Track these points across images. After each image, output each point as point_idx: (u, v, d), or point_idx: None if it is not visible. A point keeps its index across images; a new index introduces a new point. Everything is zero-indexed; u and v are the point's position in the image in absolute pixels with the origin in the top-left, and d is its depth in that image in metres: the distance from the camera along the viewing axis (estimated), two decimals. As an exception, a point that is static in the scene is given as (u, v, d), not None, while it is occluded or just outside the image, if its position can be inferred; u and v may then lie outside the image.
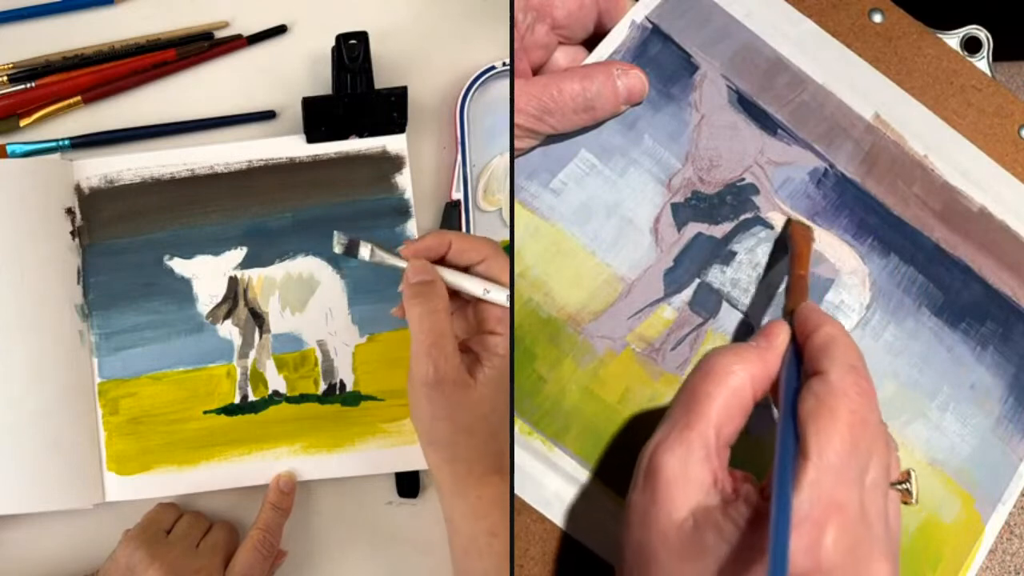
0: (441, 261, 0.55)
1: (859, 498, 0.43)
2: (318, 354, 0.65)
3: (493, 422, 0.54)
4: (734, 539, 0.43)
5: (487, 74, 0.67)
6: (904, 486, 0.47)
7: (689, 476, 0.45)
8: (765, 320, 0.56)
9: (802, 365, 0.47)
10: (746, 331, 0.56)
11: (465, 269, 0.55)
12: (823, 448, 0.42)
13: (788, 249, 0.56)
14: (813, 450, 0.42)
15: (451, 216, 0.67)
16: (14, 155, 0.65)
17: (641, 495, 0.46)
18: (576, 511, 0.54)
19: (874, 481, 0.44)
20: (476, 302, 0.56)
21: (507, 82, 0.67)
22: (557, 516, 0.54)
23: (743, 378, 0.46)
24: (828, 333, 0.47)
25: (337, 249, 0.56)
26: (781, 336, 0.48)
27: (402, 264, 0.55)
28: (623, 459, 0.54)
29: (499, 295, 0.54)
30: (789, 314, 0.50)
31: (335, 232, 0.56)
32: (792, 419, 0.44)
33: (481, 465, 0.54)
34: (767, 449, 0.46)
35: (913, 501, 0.47)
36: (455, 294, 0.55)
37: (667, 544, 0.44)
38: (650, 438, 0.47)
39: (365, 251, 0.55)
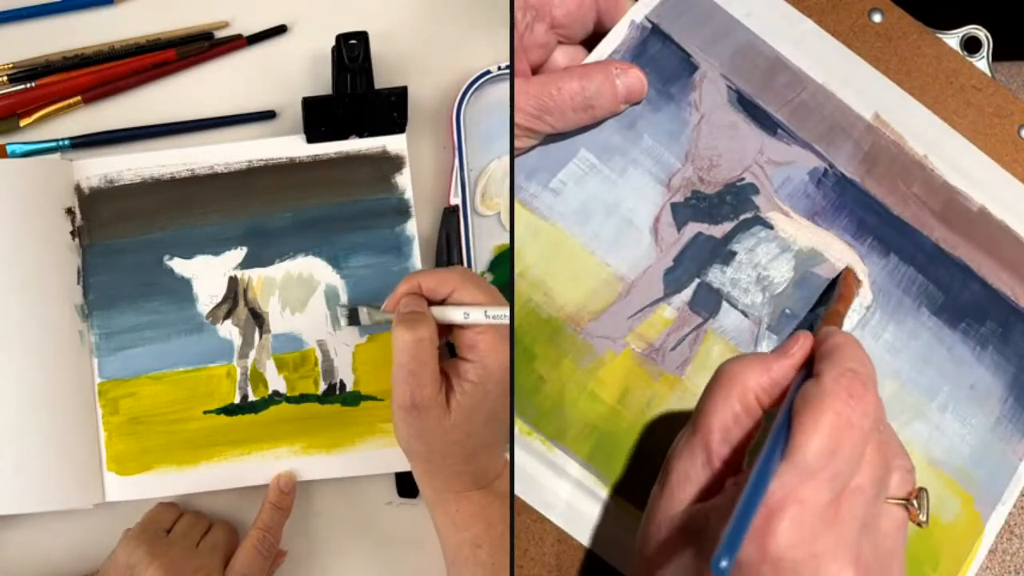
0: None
1: (829, 498, 0.42)
2: (318, 354, 0.65)
3: (469, 446, 0.56)
4: (706, 531, 0.44)
5: (483, 79, 0.67)
6: (905, 502, 0.46)
7: (691, 478, 0.46)
8: (765, 321, 0.56)
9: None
10: (746, 331, 0.56)
11: (441, 302, 0.57)
12: (800, 445, 0.42)
13: (834, 289, 0.57)
14: (790, 447, 0.42)
15: (449, 221, 0.67)
16: (14, 155, 0.66)
17: (655, 490, 0.48)
18: (577, 513, 0.54)
19: (859, 487, 0.43)
20: (450, 330, 0.57)
21: (503, 86, 0.67)
22: (557, 516, 0.54)
23: (748, 386, 0.47)
24: (834, 341, 0.47)
25: (343, 323, 0.64)
26: (796, 346, 0.48)
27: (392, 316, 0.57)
28: (624, 460, 0.54)
29: (477, 315, 0.56)
30: None
31: (338, 307, 0.64)
32: (782, 419, 0.44)
33: (458, 482, 0.56)
34: None
35: (922, 520, 0.46)
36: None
37: (659, 536, 0.46)
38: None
39: (364, 316, 0.61)
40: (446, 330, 0.58)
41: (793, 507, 0.41)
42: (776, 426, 0.44)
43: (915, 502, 0.46)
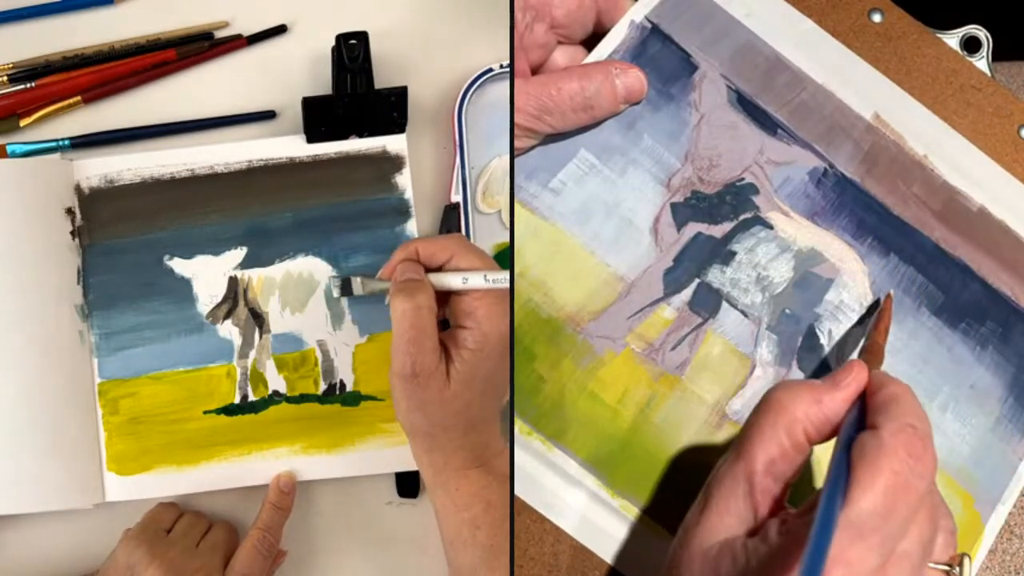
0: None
1: (877, 562, 0.40)
2: (318, 354, 0.65)
3: (469, 417, 0.56)
4: (745, 573, 0.42)
5: (484, 76, 0.67)
6: (947, 568, 0.44)
7: (730, 507, 0.45)
8: (764, 321, 0.56)
9: (864, 418, 0.45)
10: (746, 331, 0.56)
11: (438, 269, 0.58)
12: (854, 501, 0.40)
13: (872, 315, 0.56)
14: (845, 505, 0.40)
15: (450, 218, 0.67)
16: (14, 155, 0.66)
17: (692, 514, 0.47)
18: (577, 513, 0.54)
19: (905, 551, 0.42)
20: (446, 301, 0.58)
21: (505, 84, 0.67)
22: (556, 516, 0.54)
23: (797, 417, 0.45)
24: (892, 391, 0.45)
25: (335, 293, 0.62)
26: (850, 377, 0.46)
27: (385, 285, 0.58)
28: (624, 460, 0.54)
29: (477, 280, 0.56)
30: None
31: (329, 277, 0.64)
32: (838, 470, 0.42)
33: (458, 457, 0.56)
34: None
35: None
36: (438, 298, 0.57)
37: (692, 565, 0.45)
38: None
39: (357, 286, 0.61)
40: (443, 300, 0.58)
41: (839, 569, 0.40)
42: (831, 479, 0.42)
43: (957, 568, 0.44)
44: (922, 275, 0.58)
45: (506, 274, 0.55)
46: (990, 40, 0.63)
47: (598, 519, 0.54)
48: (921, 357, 0.57)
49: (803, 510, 0.44)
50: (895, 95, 0.60)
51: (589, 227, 0.57)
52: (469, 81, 0.67)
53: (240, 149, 0.66)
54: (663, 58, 0.59)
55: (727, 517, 0.45)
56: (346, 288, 0.61)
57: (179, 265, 0.65)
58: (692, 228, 0.57)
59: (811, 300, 0.57)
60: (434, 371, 0.55)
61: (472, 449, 0.56)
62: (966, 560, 0.45)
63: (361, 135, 0.66)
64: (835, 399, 0.45)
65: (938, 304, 0.57)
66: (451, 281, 0.56)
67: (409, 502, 0.66)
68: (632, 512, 0.54)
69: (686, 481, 0.54)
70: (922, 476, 0.41)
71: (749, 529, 0.45)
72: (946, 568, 0.44)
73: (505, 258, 0.67)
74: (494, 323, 0.56)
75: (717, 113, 0.58)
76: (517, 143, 0.56)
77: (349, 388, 0.65)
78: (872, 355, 0.52)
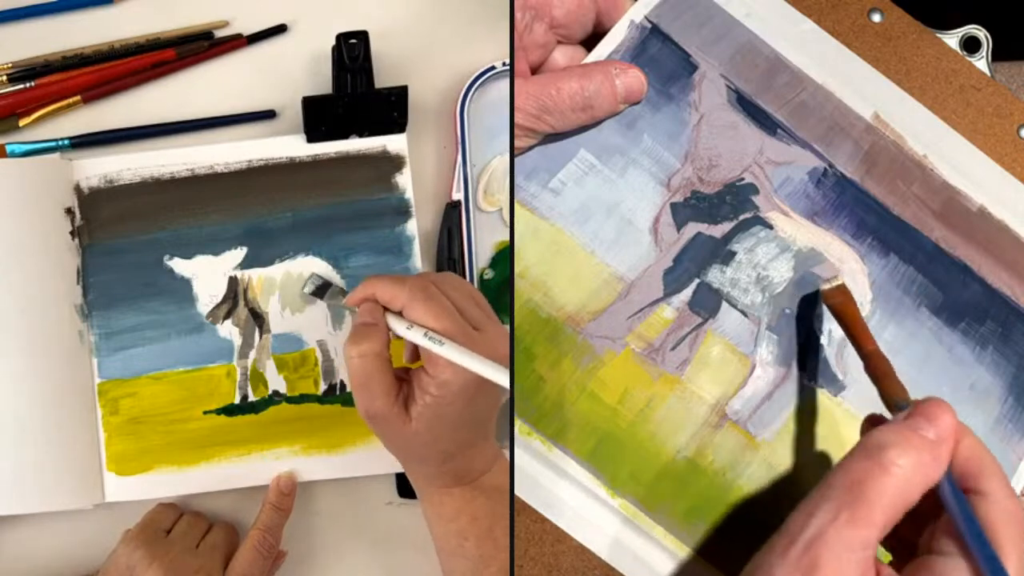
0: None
1: None
2: (318, 354, 0.66)
3: (441, 449, 0.56)
4: None
5: (487, 74, 0.67)
6: None
7: (844, 574, 0.42)
8: (764, 321, 0.56)
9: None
10: (745, 331, 0.56)
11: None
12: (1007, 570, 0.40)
13: (833, 316, 0.54)
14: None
15: (451, 216, 0.67)
16: (14, 155, 0.65)
17: (782, 550, 0.43)
18: (577, 513, 0.54)
19: None
20: None
21: (506, 83, 0.67)
22: (557, 517, 0.54)
23: (912, 472, 0.43)
24: (973, 446, 0.44)
25: (307, 288, 0.63)
26: (945, 425, 0.44)
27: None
28: (624, 460, 0.54)
29: (416, 335, 0.55)
30: (893, 406, 0.48)
31: (312, 273, 0.64)
32: (979, 537, 0.42)
33: (439, 480, 0.57)
34: None
35: None
36: None
37: None
38: (805, 510, 0.44)
39: (328, 294, 0.63)
40: None
41: None
42: (973, 544, 0.42)
43: None
44: (922, 275, 0.58)
45: (444, 339, 0.54)
46: (990, 40, 0.63)
47: (598, 519, 0.53)
48: (921, 357, 0.57)
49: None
50: (895, 95, 0.60)
51: (589, 227, 0.56)
52: (472, 78, 0.67)
53: (240, 149, 0.66)
54: (663, 58, 0.59)
55: None
56: (320, 292, 0.63)
57: (179, 265, 0.65)
58: (692, 228, 0.57)
59: (811, 300, 0.57)
60: (388, 413, 0.55)
61: (454, 474, 0.57)
62: None
63: (361, 135, 0.66)
64: (947, 451, 0.44)
65: (938, 304, 0.57)
66: (396, 327, 0.56)
67: (409, 502, 0.66)
68: (631, 512, 0.54)
69: (684, 479, 0.54)
70: None
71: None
72: None
73: (506, 256, 0.67)
74: (456, 373, 0.54)
75: (717, 113, 0.58)
76: (517, 143, 0.55)
77: (349, 388, 0.65)
78: (885, 377, 0.50)
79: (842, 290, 0.53)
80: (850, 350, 0.56)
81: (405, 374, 0.57)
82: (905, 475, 0.42)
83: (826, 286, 0.54)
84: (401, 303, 0.55)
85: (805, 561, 0.42)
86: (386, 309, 0.56)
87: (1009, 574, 0.40)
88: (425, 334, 0.54)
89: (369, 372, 0.54)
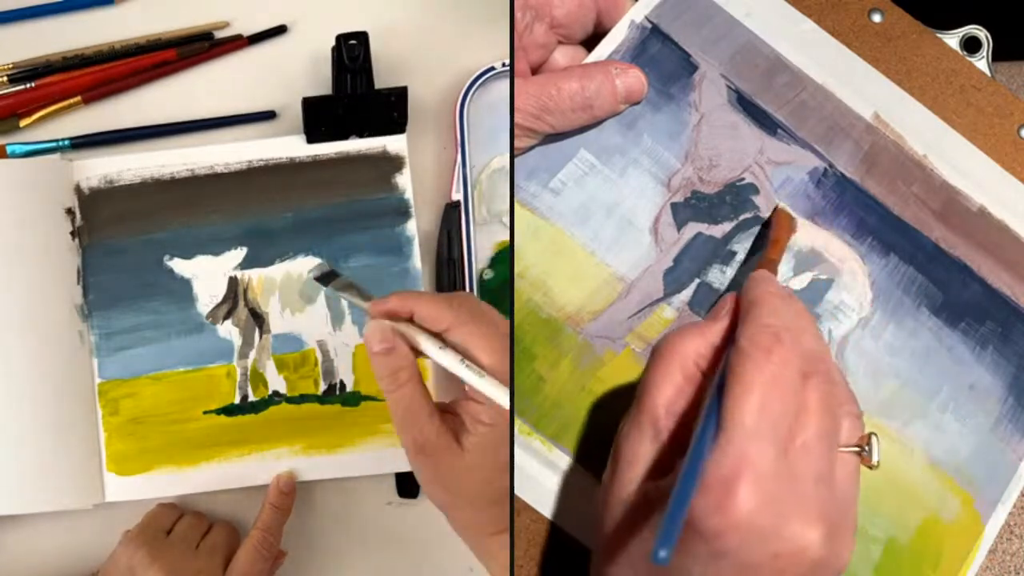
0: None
1: (777, 456, 0.42)
2: (318, 354, 0.66)
3: (495, 488, 0.50)
4: (661, 509, 0.43)
5: (486, 75, 0.67)
6: (857, 449, 0.46)
7: (638, 456, 0.46)
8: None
9: None
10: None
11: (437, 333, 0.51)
12: (733, 413, 0.42)
13: (767, 232, 0.56)
14: (725, 417, 0.42)
15: (451, 217, 0.67)
16: (14, 155, 0.66)
17: (606, 474, 0.48)
18: (577, 513, 0.54)
19: (806, 443, 0.43)
20: None
21: (506, 83, 0.67)
22: (557, 516, 0.54)
23: (687, 354, 0.47)
24: (750, 298, 0.47)
25: (312, 273, 0.55)
26: (724, 309, 0.48)
27: (365, 306, 0.52)
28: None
29: (448, 359, 0.49)
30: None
31: (320, 260, 0.64)
32: (715, 392, 0.44)
33: (492, 525, 0.51)
34: None
35: (874, 464, 0.46)
36: None
37: (615, 519, 0.46)
38: None
39: (336, 283, 0.54)
40: None
41: (747, 472, 0.41)
42: (709, 398, 0.44)
43: (866, 448, 0.46)
44: (922, 275, 0.58)
45: (485, 375, 0.49)
46: (990, 40, 0.63)
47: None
48: (921, 357, 0.57)
49: None
50: (895, 95, 0.60)
51: (589, 227, 0.57)
52: (472, 78, 0.67)
53: (240, 149, 0.66)
54: (663, 58, 0.59)
55: (636, 465, 0.46)
56: (325, 279, 0.54)
57: (179, 265, 0.65)
58: (692, 228, 0.57)
59: (811, 300, 0.57)
60: (439, 442, 0.49)
61: (493, 521, 0.51)
62: (874, 439, 0.46)
63: (361, 135, 0.66)
64: (716, 330, 0.47)
65: (938, 304, 0.57)
66: (427, 348, 0.50)
67: (409, 502, 0.66)
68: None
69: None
70: (784, 364, 0.43)
71: (661, 473, 0.45)
72: (855, 450, 0.46)
73: (506, 256, 0.67)
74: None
75: (717, 113, 0.58)
76: (517, 143, 0.56)
77: (349, 388, 0.65)
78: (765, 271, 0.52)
79: (793, 221, 0.56)
80: (849, 348, 0.56)
81: (447, 407, 0.52)
82: (676, 353, 0.47)
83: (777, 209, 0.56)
84: (446, 323, 0.50)
85: (613, 452, 0.48)
86: (411, 322, 0.51)
87: (711, 427, 0.42)
88: (462, 360, 0.49)
89: (407, 403, 0.50)
